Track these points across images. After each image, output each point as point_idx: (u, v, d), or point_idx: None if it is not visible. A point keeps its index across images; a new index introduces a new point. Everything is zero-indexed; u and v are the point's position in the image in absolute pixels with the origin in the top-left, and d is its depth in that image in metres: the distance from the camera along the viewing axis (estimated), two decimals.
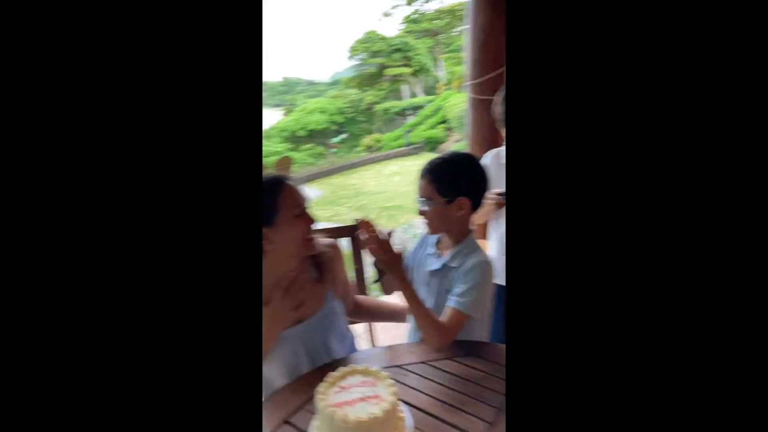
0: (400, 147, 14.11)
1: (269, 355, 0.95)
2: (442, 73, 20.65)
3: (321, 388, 0.77)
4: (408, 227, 5.16)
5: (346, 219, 6.26)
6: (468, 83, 2.82)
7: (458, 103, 13.48)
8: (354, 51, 20.95)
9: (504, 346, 0.99)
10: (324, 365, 0.97)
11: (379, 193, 8.47)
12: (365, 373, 0.81)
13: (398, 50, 20.07)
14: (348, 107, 20.49)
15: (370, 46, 20.33)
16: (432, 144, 13.60)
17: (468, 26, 2.77)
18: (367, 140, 15.51)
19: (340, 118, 19.97)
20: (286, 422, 0.80)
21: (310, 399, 0.82)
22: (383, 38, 20.40)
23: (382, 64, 20.30)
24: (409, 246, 1.18)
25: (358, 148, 15.89)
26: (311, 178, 10.72)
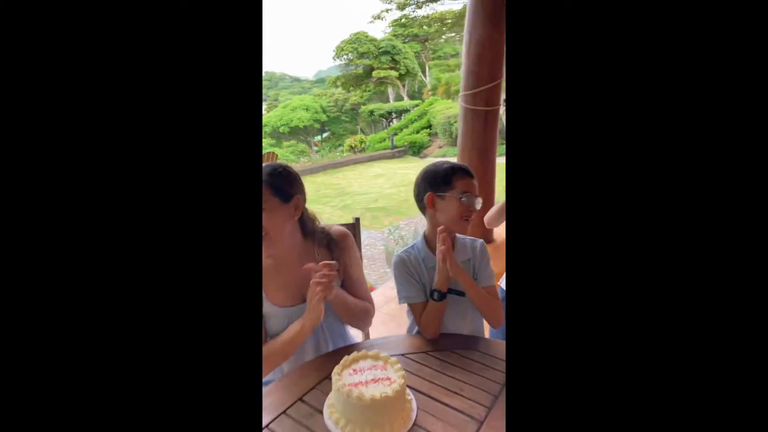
0: (385, 149, 14.22)
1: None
2: (428, 78, 20.87)
3: (337, 369, 0.83)
4: (393, 228, 5.20)
5: (331, 218, 6.28)
6: (462, 94, 2.92)
7: (443, 109, 13.69)
8: (341, 51, 20.92)
9: (501, 342, 1.08)
10: (335, 351, 1.05)
11: (364, 194, 8.49)
12: (375, 357, 0.88)
13: (386, 53, 20.18)
14: (332, 106, 20.46)
15: (357, 46, 20.36)
16: (416, 148, 13.79)
17: (465, 37, 2.87)
18: (350, 140, 15.54)
19: (323, 117, 19.94)
20: (300, 400, 0.87)
21: (321, 380, 0.90)
22: (372, 40, 20.47)
23: (369, 65, 20.36)
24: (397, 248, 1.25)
25: (342, 148, 15.92)
26: None
